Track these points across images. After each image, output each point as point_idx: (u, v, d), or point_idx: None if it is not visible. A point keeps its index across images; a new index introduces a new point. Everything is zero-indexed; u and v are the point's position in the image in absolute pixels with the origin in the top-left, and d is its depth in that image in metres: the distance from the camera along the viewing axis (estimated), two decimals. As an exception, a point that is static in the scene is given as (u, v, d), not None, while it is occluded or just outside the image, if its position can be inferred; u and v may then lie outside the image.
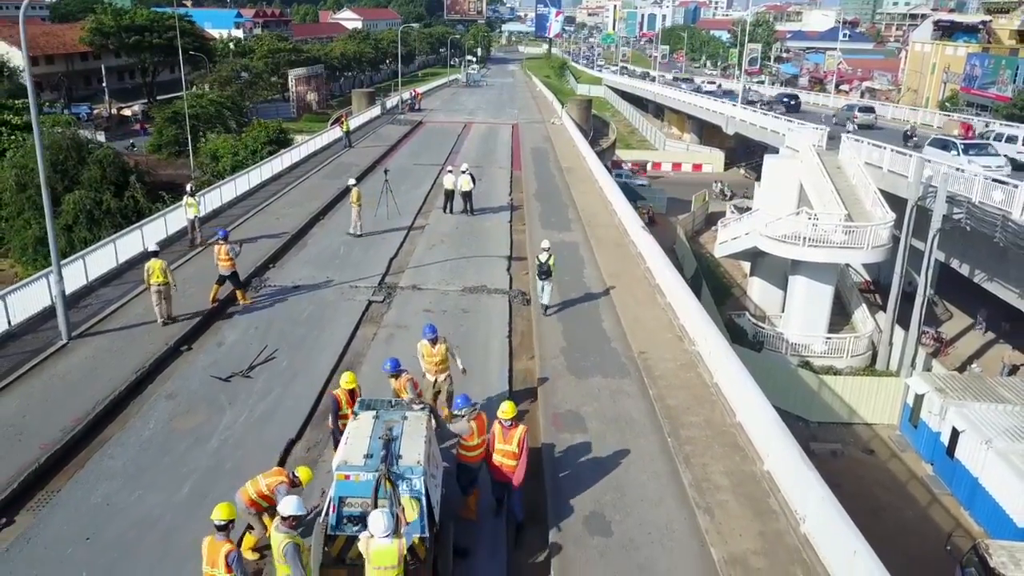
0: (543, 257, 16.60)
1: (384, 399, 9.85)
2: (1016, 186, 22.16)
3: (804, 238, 26.45)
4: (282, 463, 11.07)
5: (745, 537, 9.43)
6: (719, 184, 56.01)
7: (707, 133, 69.11)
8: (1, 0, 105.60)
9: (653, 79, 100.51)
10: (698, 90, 78.45)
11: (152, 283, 15.21)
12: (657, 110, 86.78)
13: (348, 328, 16.12)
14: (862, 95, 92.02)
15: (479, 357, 14.52)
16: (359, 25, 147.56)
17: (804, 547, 9.22)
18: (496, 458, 9.37)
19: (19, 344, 14.51)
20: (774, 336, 28.86)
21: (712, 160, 67.82)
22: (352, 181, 24.29)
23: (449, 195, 26.26)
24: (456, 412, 9.72)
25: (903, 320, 26.53)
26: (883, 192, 28.17)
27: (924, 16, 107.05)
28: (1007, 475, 17.86)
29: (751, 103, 59.12)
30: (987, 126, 43.67)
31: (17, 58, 71.90)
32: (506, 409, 9.38)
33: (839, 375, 25.85)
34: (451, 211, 26.19)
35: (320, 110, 77.22)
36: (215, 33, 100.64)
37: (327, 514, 8.21)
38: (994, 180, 23.45)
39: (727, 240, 35.43)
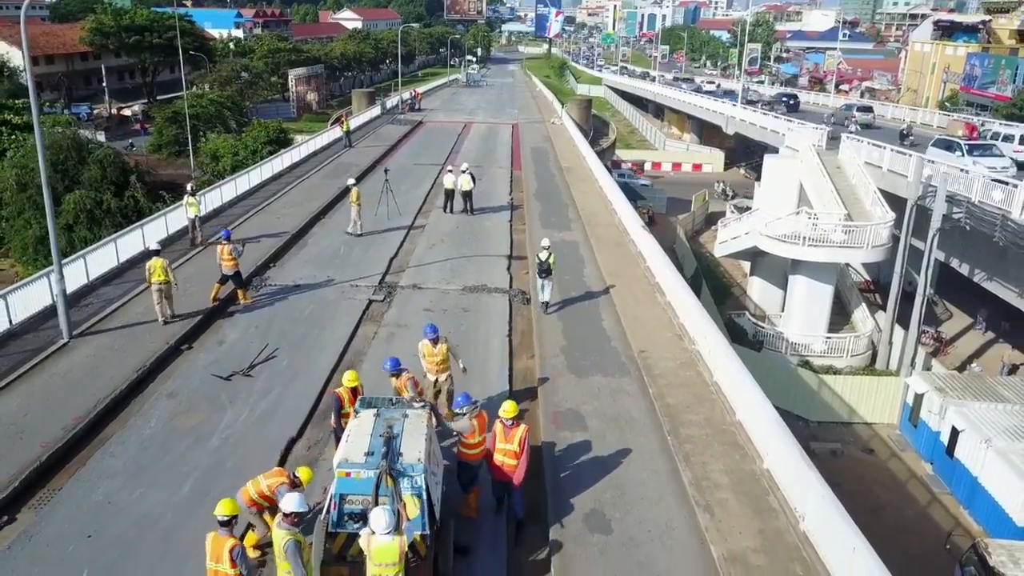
0: (543, 256, 16.65)
1: (385, 397, 9.88)
2: (1015, 185, 22.18)
3: (804, 238, 26.47)
4: (283, 461, 11.06)
5: (745, 535, 9.45)
6: (721, 184, 56.02)
7: (707, 133, 69.14)
8: (1, 0, 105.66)
9: (653, 79, 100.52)
10: (699, 90, 78.53)
11: (153, 282, 15.24)
12: (657, 110, 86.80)
13: (349, 327, 16.15)
14: (862, 95, 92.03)
15: (479, 356, 14.55)
16: (359, 25, 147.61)
17: (804, 545, 9.25)
18: (497, 457, 9.38)
19: (20, 343, 14.54)
20: (774, 335, 28.89)
21: (712, 160, 67.85)
22: (351, 181, 24.33)
23: (449, 195, 26.29)
24: (457, 410, 9.74)
25: (903, 319, 26.55)
26: (883, 192, 28.19)
27: (924, 16, 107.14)
28: (1006, 474, 17.87)
29: (751, 103, 59.20)
30: (983, 125, 43.79)
31: (17, 58, 71.93)
32: (508, 408, 9.40)
33: (839, 374, 25.88)
34: (451, 210, 26.22)
35: (320, 110, 77.25)
36: (215, 33, 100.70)
37: (328, 511, 8.25)
38: (993, 180, 23.46)
39: (727, 240, 35.46)
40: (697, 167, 67.21)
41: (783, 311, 31.04)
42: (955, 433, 20.09)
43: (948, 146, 31.41)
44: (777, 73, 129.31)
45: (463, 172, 26.11)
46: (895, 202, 27.29)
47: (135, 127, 67.50)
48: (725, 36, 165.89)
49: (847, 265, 32.64)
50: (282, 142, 45.22)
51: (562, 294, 17.85)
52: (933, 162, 26.60)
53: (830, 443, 22.98)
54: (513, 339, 15.86)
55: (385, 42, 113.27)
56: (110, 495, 10.21)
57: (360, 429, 8.84)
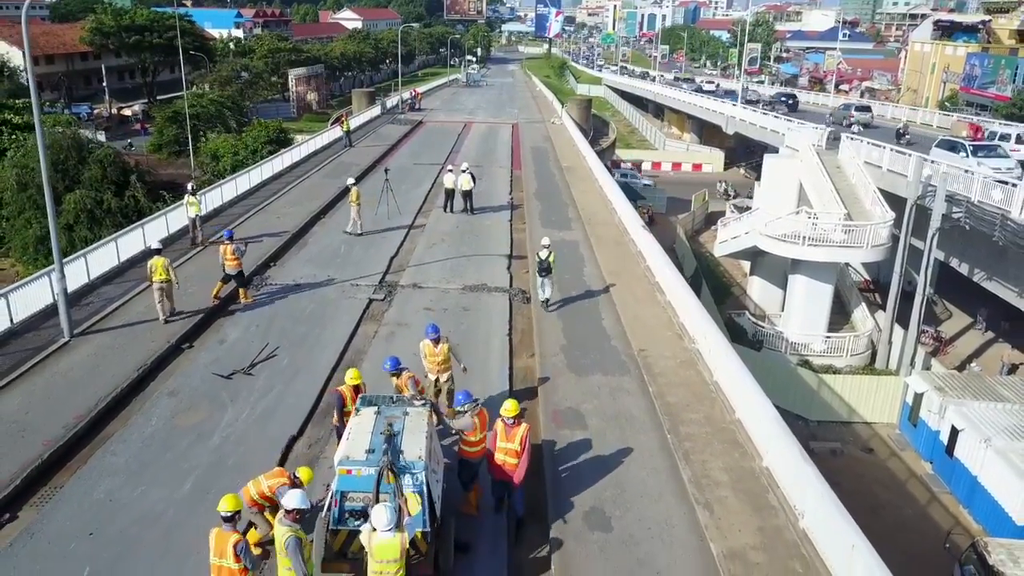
0: (543, 254, 16.69)
1: (386, 395, 9.91)
2: (1015, 185, 22.21)
3: (804, 237, 26.49)
4: (283, 459, 11.10)
5: (744, 532, 9.48)
6: (723, 184, 56.06)
7: (707, 133, 69.17)
8: (2, 0, 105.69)
9: (653, 79, 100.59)
10: (699, 90, 78.57)
11: (155, 280, 15.30)
12: (657, 110, 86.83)
13: (349, 326, 16.18)
14: (862, 95, 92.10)
15: (479, 355, 14.58)
16: (359, 25, 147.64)
17: (803, 542, 9.28)
18: (498, 456, 9.39)
19: (21, 342, 14.57)
20: (774, 335, 28.92)
21: (712, 160, 67.86)
22: (351, 180, 24.34)
23: (449, 194, 26.32)
24: (458, 408, 9.77)
25: (903, 319, 26.58)
26: (882, 191, 28.22)
27: (924, 16, 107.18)
28: (1006, 473, 17.91)
29: (751, 103, 59.27)
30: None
31: (17, 58, 71.96)
32: (509, 407, 9.40)
33: (839, 374, 25.91)
34: (451, 210, 26.25)
35: (320, 110, 77.28)
36: (215, 33, 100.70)
37: (329, 509, 8.28)
38: (997, 180, 23.43)
39: (727, 239, 35.47)
40: (697, 167, 67.22)
41: (783, 310, 31.07)
42: (955, 432, 20.12)
43: (952, 147, 31.25)
44: (777, 73, 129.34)
45: (463, 172, 26.13)
46: (895, 202, 27.32)
47: (135, 127, 67.49)
48: (725, 36, 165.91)
49: (847, 265, 32.66)
50: (282, 142, 45.25)
51: (562, 293, 17.88)
52: (937, 163, 26.45)
53: (830, 442, 23.01)
54: (513, 338, 15.89)
55: (385, 42, 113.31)
56: (111, 493, 10.24)
57: (361, 427, 8.87)
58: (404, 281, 19.17)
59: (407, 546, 7.45)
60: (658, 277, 18.79)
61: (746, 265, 37.14)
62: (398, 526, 7.39)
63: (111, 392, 12.72)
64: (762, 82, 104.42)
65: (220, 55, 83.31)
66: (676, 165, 67.42)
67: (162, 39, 75.12)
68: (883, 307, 29.31)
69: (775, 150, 40.15)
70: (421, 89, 72.34)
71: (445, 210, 26.31)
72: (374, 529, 7.34)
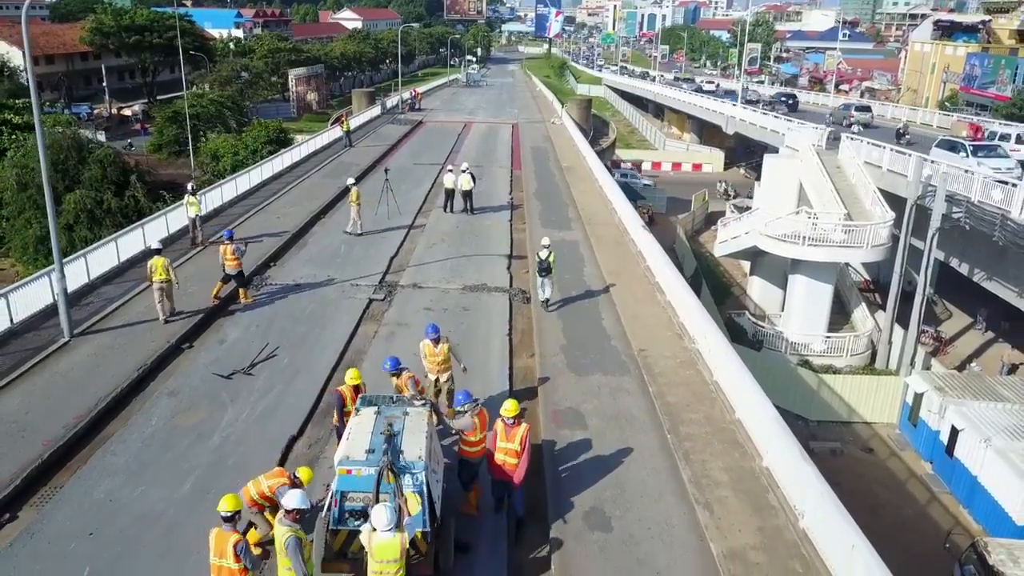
0: (543, 254, 16.69)
1: (386, 395, 9.92)
2: (1015, 185, 22.20)
3: (804, 237, 26.49)
4: (284, 459, 11.11)
5: (744, 532, 9.49)
6: (724, 184, 56.09)
7: (707, 133, 69.18)
8: (2, 0, 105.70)
9: (653, 79, 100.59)
10: (699, 90, 78.57)
11: (155, 280, 15.31)
12: (657, 110, 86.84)
13: (349, 326, 16.18)
14: (862, 95, 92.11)
15: (479, 355, 14.58)
16: (359, 25, 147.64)
17: (803, 542, 9.28)
18: (498, 456, 9.39)
19: (21, 341, 14.57)
20: (774, 335, 28.92)
21: (712, 160, 67.86)
22: (351, 180, 24.34)
23: (449, 194, 26.32)
24: (459, 408, 9.77)
25: (903, 319, 26.58)
26: (882, 191, 28.22)
27: (924, 16, 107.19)
28: (1006, 473, 17.91)
29: (751, 103, 59.29)
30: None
31: (17, 58, 71.94)
32: (509, 407, 9.39)
33: (839, 374, 25.91)
34: (451, 210, 26.25)
35: (320, 110, 77.29)
36: (215, 33, 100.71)
37: (329, 509, 8.29)
38: (997, 180, 23.42)
39: (727, 239, 35.48)
40: (697, 167, 67.22)
41: (783, 310, 31.08)
42: (954, 432, 20.12)
43: (952, 147, 31.14)
44: (777, 73, 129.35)
45: (463, 172, 26.14)
46: (895, 202, 27.32)
47: (135, 127, 67.49)
48: (725, 36, 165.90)
49: (847, 265, 32.67)
50: (282, 142, 45.25)
51: (562, 293, 17.88)
52: (937, 163, 26.38)
53: (830, 442, 23.01)
54: (513, 338, 15.89)
55: (385, 42, 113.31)
56: (111, 493, 10.24)
57: (361, 427, 8.87)
58: (404, 281, 19.17)
59: (407, 546, 7.45)
60: (658, 277, 18.80)
61: (746, 265, 37.14)
62: (398, 526, 7.39)
63: (111, 392, 12.73)
64: (762, 82, 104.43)
65: (220, 55, 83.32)
66: (676, 165, 67.43)
67: (162, 39, 75.13)
68: (883, 307, 29.31)
69: (775, 150, 40.16)
70: (421, 89, 72.35)
71: (445, 210, 26.32)
72: (374, 529, 7.35)
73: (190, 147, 48.46)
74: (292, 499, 7.63)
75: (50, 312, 15.43)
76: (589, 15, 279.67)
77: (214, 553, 7.51)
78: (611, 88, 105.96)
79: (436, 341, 11.74)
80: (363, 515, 7.97)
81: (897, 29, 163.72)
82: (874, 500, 19.89)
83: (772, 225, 28.45)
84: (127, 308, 16.50)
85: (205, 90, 64.67)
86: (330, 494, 8.43)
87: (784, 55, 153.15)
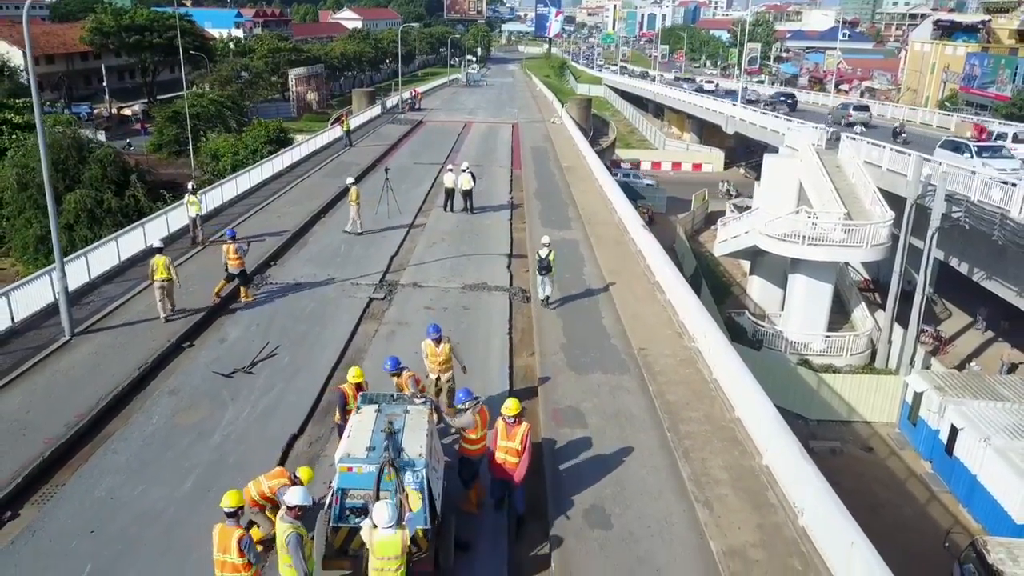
0: (543, 253, 16.72)
1: (386, 393, 9.94)
2: (1014, 185, 22.22)
3: (803, 236, 26.52)
4: (284, 458, 11.16)
5: (744, 530, 9.51)
6: (726, 183, 56.14)
7: (707, 133, 69.22)
8: (2, 0, 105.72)
9: (653, 79, 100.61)
10: (700, 90, 78.60)
11: (156, 279, 15.34)
12: (657, 110, 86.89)
13: (349, 325, 16.20)
14: (862, 95, 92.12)
15: (480, 354, 14.60)
16: (359, 25, 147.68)
17: (802, 539, 9.31)
18: (499, 455, 9.40)
19: (22, 340, 14.60)
20: (773, 334, 28.94)
21: (712, 160, 67.90)
22: (350, 180, 24.35)
23: (449, 193, 26.35)
24: (459, 406, 9.78)
25: (902, 318, 26.60)
26: (882, 191, 28.24)
27: (924, 16, 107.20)
28: (1005, 472, 17.94)
29: (751, 102, 59.34)
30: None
31: (17, 57, 71.92)
32: (510, 406, 9.40)
33: (838, 373, 25.94)
34: (451, 209, 26.28)
35: (320, 110, 77.32)
36: (215, 33, 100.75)
37: (330, 506, 8.31)
38: (1002, 181, 23.30)
39: (727, 239, 35.52)
40: (697, 167, 67.26)
41: (783, 310, 31.10)
42: (954, 431, 20.15)
43: (956, 147, 30.82)
44: (777, 73, 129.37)
45: (463, 171, 26.16)
46: (894, 201, 27.34)
47: (135, 127, 67.52)
48: (725, 36, 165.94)
49: (846, 264, 32.70)
50: (282, 141, 45.28)
51: (562, 292, 17.91)
52: (940, 164, 26.16)
53: (829, 441, 23.04)
54: (513, 337, 15.91)
55: (385, 42, 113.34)
56: (112, 491, 10.26)
57: (362, 425, 8.90)
58: (404, 280, 19.19)
59: (408, 543, 7.48)
60: (658, 276, 18.82)
61: (746, 264, 37.17)
62: (399, 523, 7.42)
63: (112, 391, 12.75)
64: (762, 82, 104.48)
65: (220, 55, 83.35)
66: (676, 165, 67.47)
67: (162, 39, 75.18)
68: (883, 306, 29.34)
69: (775, 150, 40.19)
70: (421, 89, 72.38)
71: (445, 209, 26.34)
72: (375, 526, 7.37)
73: (190, 147, 48.47)
74: (294, 496, 7.66)
75: (51, 311, 15.45)
76: (589, 15, 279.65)
77: (218, 549, 7.53)
78: (611, 88, 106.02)
79: (438, 341, 11.76)
80: (364, 512, 8.00)
81: (897, 29, 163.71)
82: (874, 499, 19.92)
83: (772, 224, 28.48)
84: (128, 307, 16.53)
85: (205, 90, 64.70)
86: (331, 491, 8.45)
87: (784, 55, 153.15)
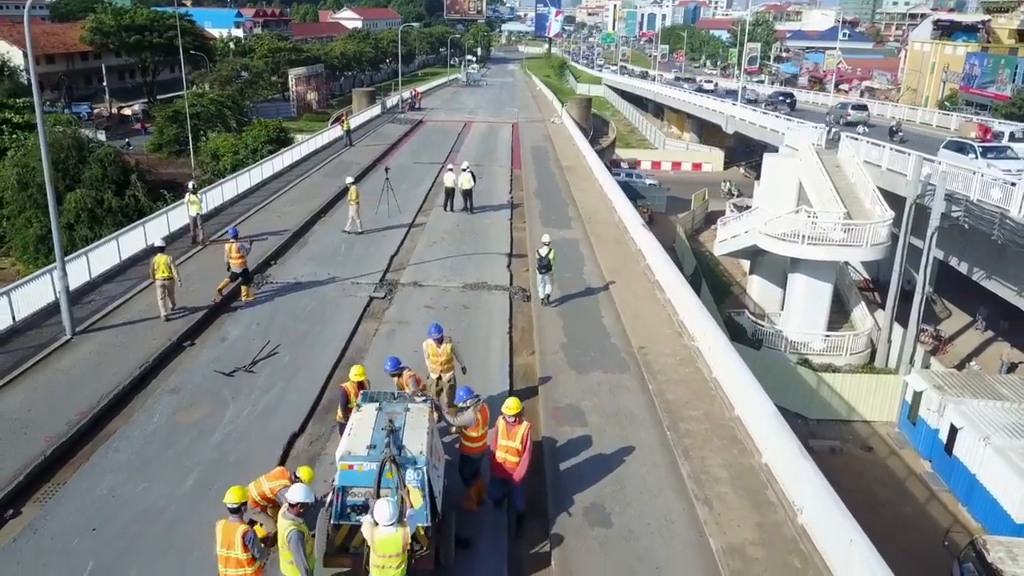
0: (543, 251, 16.75)
1: (387, 391, 9.97)
2: (1014, 184, 22.24)
3: (803, 236, 26.53)
4: (285, 456, 11.19)
5: (743, 528, 9.54)
6: (728, 183, 56.19)
7: (707, 132, 69.27)
8: (2, 0, 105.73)
9: (653, 79, 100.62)
10: (700, 90, 78.61)
11: (157, 278, 15.38)
12: (657, 109, 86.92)
13: (350, 324, 16.23)
14: (862, 94, 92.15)
15: (480, 353, 14.63)
16: (359, 25, 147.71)
17: (801, 537, 9.33)
18: (499, 454, 9.42)
19: (23, 339, 14.62)
20: (773, 334, 28.97)
21: (712, 159, 67.95)
22: (350, 179, 24.37)
23: (450, 193, 26.37)
24: (460, 404, 9.80)
25: (902, 318, 26.63)
26: (882, 190, 28.26)
27: (924, 16, 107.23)
28: (1005, 471, 17.97)
29: (751, 102, 59.38)
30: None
31: (18, 57, 71.98)
32: (511, 405, 9.42)
33: (838, 372, 25.96)
34: (451, 209, 26.30)
35: (320, 109, 77.33)
36: (215, 32, 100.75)
37: (331, 504, 8.34)
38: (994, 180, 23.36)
39: (727, 238, 35.54)
40: (697, 166, 67.31)
41: (782, 309, 31.12)
42: (954, 431, 20.19)
43: (960, 148, 30.40)
44: (777, 73, 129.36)
45: (463, 171, 26.19)
46: (894, 200, 27.36)
47: (135, 126, 67.55)
48: (725, 36, 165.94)
49: (846, 263, 32.72)
50: (282, 141, 45.32)
51: (562, 291, 17.94)
52: (942, 163, 25.97)
53: (829, 441, 23.07)
54: (514, 336, 15.94)
55: (385, 42, 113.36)
56: (114, 489, 10.29)
57: (362, 423, 8.93)
58: (405, 279, 19.22)
59: (409, 541, 7.51)
60: (658, 275, 18.85)
61: (746, 264, 37.20)
62: (400, 520, 7.44)
63: (113, 389, 12.78)
64: (762, 82, 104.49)
65: (220, 55, 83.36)
66: (676, 164, 67.51)
67: (162, 39, 75.20)
68: (882, 306, 29.37)
69: (775, 149, 40.21)
70: (421, 88, 72.40)
71: (445, 209, 26.37)
72: (376, 523, 7.40)
73: (190, 146, 48.50)
74: (296, 493, 7.70)
75: (52, 310, 15.48)
76: (589, 15, 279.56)
77: (222, 544, 7.56)
78: (611, 88, 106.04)
79: (439, 341, 11.77)
80: (365, 510, 8.02)
81: (897, 29, 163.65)
82: (873, 498, 19.95)
83: (772, 224, 28.50)
84: (129, 306, 16.56)
85: (205, 90, 64.73)
86: (332, 489, 8.48)
87: (784, 55, 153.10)
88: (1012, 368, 27.23)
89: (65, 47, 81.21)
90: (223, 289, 16.95)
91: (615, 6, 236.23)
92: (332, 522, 8.28)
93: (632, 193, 39.46)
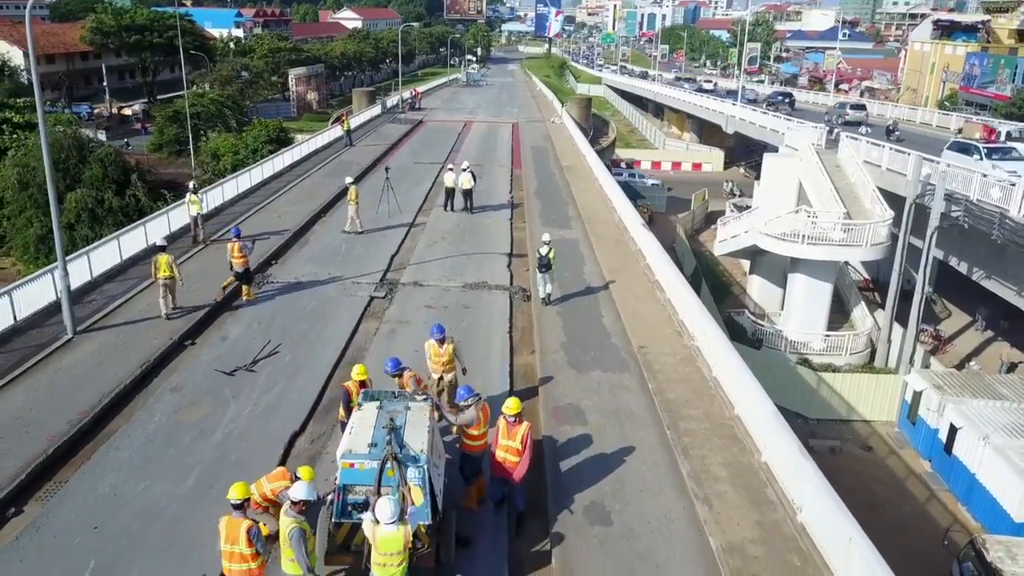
0: (543, 250, 16.78)
1: (388, 390, 10.00)
2: (1013, 184, 22.26)
3: (803, 236, 26.57)
4: (286, 455, 11.22)
5: (743, 526, 9.56)
6: (729, 183, 56.23)
7: (707, 132, 69.32)
8: (2, 0, 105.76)
9: (653, 79, 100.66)
10: (700, 90, 78.65)
11: (159, 277, 15.41)
12: (657, 109, 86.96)
13: (350, 323, 16.26)
14: (861, 94, 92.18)
15: (480, 352, 14.66)
16: (359, 25, 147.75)
17: (801, 535, 9.36)
18: (499, 454, 9.45)
19: (25, 339, 14.65)
20: (773, 334, 29.01)
21: (712, 159, 68.00)
22: (349, 179, 24.39)
23: (450, 193, 26.40)
24: (462, 403, 9.82)
25: (902, 318, 26.66)
26: (882, 190, 28.30)
27: (923, 16, 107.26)
28: (1004, 471, 18.01)
29: (751, 102, 59.42)
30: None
31: (18, 57, 72.04)
32: (511, 405, 9.44)
33: (838, 372, 26.00)
34: (452, 209, 26.33)
35: (320, 109, 77.36)
36: (215, 32, 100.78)
37: (332, 502, 8.37)
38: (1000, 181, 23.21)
39: (727, 238, 35.58)
40: (697, 166, 67.37)
41: (782, 309, 31.15)
42: (953, 430, 20.22)
43: (965, 149, 29.86)
44: (777, 73, 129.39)
45: (463, 170, 26.21)
46: (894, 200, 27.40)
47: (136, 126, 67.58)
48: (725, 36, 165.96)
49: (846, 263, 32.75)
50: (282, 141, 45.36)
51: (562, 291, 17.97)
52: (948, 164, 25.83)
53: (829, 440, 23.10)
54: (514, 335, 15.97)
55: (385, 42, 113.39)
56: (116, 487, 10.31)
57: (363, 421, 8.96)
58: (405, 279, 19.25)
59: (410, 539, 7.54)
60: (658, 275, 18.88)
61: (746, 264, 37.23)
62: (401, 519, 7.47)
63: (114, 388, 12.81)
64: (762, 82, 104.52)
65: (220, 55, 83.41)
66: (676, 164, 67.56)
67: (162, 39, 75.24)
68: (882, 306, 29.40)
69: (775, 149, 40.25)
70: (421, 88, 72.42)
71: (445, 209, 26.40)
72: (377, 521, 7.43)
73: (190, 146, 48.53)
74: (299, 490, 7.73)
75: (53, 309, 15.51)
76: (589, 15, 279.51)
77: (226, 540, 7.59)
78: (611, 88, 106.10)
79: (441, 341, 11.78)
80: (366, 508, 8.05)
81: (897, 29, 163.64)
82: (873, 498, 19.98)
83: (772, 224, 28.54)
84: (130, 305, 16.59)
85: (205, 89, 64.78)
86: (333, 487, 8.51)
87: (784, 55, 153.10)
88: (1012, 368, 27.26)
89: (65, 47, 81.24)
90: (227, 287, 16.99)
91: (615, 6, 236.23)
92: (333, 520, 8.31)
93: (632, 193, 39.47)
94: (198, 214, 21.50)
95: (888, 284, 28.04)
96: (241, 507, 7.65)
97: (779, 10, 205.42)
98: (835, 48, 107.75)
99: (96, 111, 68.57)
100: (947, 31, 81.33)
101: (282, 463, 10.73)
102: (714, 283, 35.48)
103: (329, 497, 8.64)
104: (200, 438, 11.58)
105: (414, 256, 21.32)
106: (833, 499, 8.84)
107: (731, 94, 71.73)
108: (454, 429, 10.11)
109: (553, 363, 14.33)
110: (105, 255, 18.53)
